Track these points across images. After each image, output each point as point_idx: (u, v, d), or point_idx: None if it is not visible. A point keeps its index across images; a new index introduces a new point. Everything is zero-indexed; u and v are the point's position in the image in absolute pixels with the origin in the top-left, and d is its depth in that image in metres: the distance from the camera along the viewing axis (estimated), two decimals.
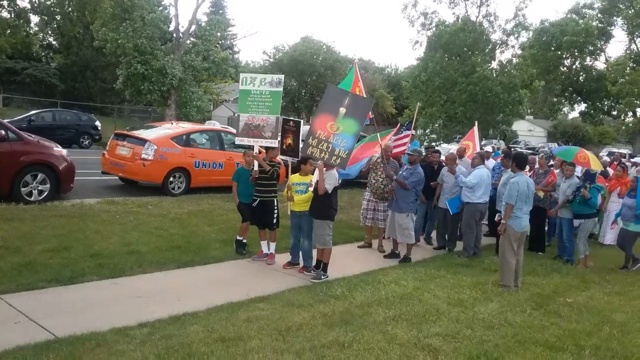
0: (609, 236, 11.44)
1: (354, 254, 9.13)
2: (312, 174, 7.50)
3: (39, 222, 8.49)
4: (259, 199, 7.81)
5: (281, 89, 7.84)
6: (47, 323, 4.95)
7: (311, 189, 7.30)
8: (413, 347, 5.07)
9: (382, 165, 9.07)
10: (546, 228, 11.18)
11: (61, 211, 9.44)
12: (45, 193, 10.12)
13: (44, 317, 5.08)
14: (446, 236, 10.11)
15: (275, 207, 7.91)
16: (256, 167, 7.77)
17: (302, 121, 8.10)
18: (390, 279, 7.34)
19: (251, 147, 8.05)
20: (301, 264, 7.71)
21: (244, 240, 8.25)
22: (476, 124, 13.07)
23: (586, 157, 10.59)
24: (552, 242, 10.95)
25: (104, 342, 4.56)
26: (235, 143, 8.41)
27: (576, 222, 9.45)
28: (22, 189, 9.77)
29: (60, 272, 6.31)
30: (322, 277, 7.22)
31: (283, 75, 8.25)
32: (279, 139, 7.75)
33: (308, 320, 5.52)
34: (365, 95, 9.40)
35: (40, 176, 10.03)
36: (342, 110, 7.19)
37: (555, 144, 47.49)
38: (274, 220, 7.89)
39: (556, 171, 10.47)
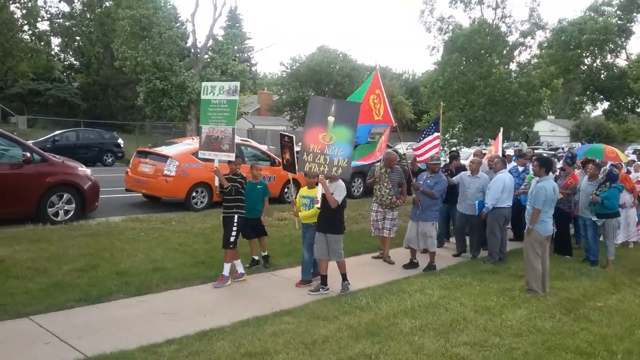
0: (621, 235, 11.12)
1: (369, 266, 8.98)
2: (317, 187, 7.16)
3: (66, 242, 8.63)
4: (223, 216, 7.45)
5: (237, 97, 7.34)
6: (76, 343, 5.01)
7: (317, 205, 7.00)
8: (441, 357, 5.03)
9: (387, 176, 8.94)
10: (572, 231, 11.03)
11: (87, 230, 9.59)
12: (72, 213, 10.30)
13: (73, 337, 5.15)
14: (467, 242, 9.96)
15: (235, 224, 7.35)
16: (216, 183, 7.39)
17: (294, 137, 7.84)
18: (415, 288, 7.28)
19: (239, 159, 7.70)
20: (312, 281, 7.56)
21: (264, 254, 8.23)
22: (501, 129, 13.02)
23: (614, 152, 10.47)
24: (580, 245, 10.77)
25: None
26: (199, 157, 8.02)
27: (599, 222, 9.28)
28: (49, 210, 9.95)
29: (88, 292, 6.39)
30: (347, 287, 7.21)
31: (239, 83, 7.76)
32: (274, 156, 7.43)
33: (334, 332, 5.50)
34: (387, 100, 9.28)
35: (65, 196, 10.21)
36: (331, 119, 6.82)
37: (579, 143, 46.86)
38: (231, 239, 7.30)
39: (577, 171, 10.32)
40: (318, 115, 6.95)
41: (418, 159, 9.95)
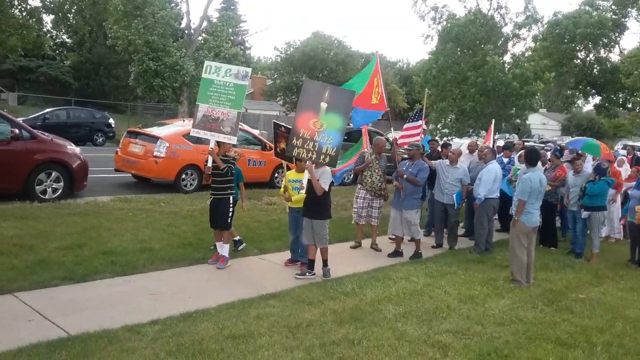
0: (605, 229, 11.26)
1: (356, 253, 9.02)
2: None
3: (53, 220, 8.59)
4: (212, 197, 7.45)
5: (247, 83, 7.37)
6: (60, 321, 5.02)
7: (302, 191, 6.99)
8: (423, 343, 5.08)
9: (377, 162, 8.92)
10: (559, 224, 11.13)
11: (75, 209, 9.55)
12: (60, 191, 10.25)
13: (57, 314, 5.15)
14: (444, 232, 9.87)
15: (231, 206, 7.45)
16: (209, 164, 7.29)
17: (291, 127, 7.55)
18: (400, 276, 7.34)
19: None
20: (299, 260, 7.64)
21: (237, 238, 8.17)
22: (493, 121, 13.05)
23: (607, 148, 10.56)
24: (566, 237, 10.87)
25: (115, 340, 4.61)
26: (190, 135, 7.96)
27: (585, 214, 9.36)
28: (37, 187, 9.90)
29: (73, 270, 6.38)
30: (329, 273, 7.25)
31: (250, 69, 7.69)
32: (267, 142, 7.39)
33: (318, 317, 5.54)
34: (383, 88, 9.23)
35: (54, 174, 10.15)
36: (324, 105, 6.76)
37: (570, 137, 47.05)
38: (228, 220, 7.42)
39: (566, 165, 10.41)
40: (311, 100, 6.90)
41: (399, 141, 9.92)
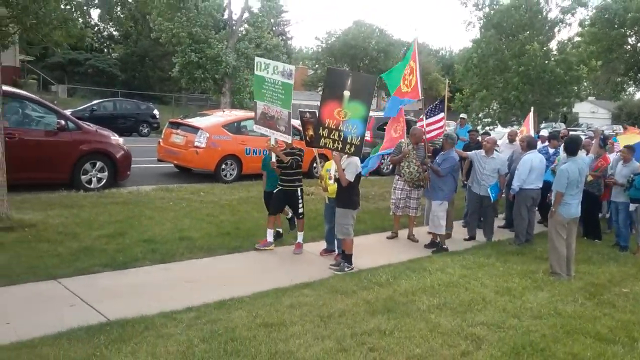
0: None
1: (392, 243, 9.00)
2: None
3: (97, 208, 8.87)
4: (280, 188, 7.71)
5: (292, 81, 7.29)
6: (100, 306, 5.19)
7: (331, 181, 7.04)
8: (456, 335, 5.03)
9: (414, 153, 8.80)
10: (607, 215, 10.79)
11: (118, 198, 9.82)
12: (104, 181, 10.55)
13: (97, 300, 5.33)
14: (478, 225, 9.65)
15: (300, 197, 7.73)
16: (274, 159, 7.55)
17: (316, 112, 7.56)
18: (436, 267, 7.27)
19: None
20: (335, 251, 7.69)
21: (278, 230, 8.26)
22: (532, 109, 12.70)
23: None
24: (612, 229, 10.53)
25: (152, 326, 4.74)
26: (254, 129, 8.12)
27: (632, 207, 9.04)
28: (82, 177, 10.21)
29: (114, 257, 6.58)
30: (347, 268, 7.04)
31: (294, 67, 7.68)
32: (302, 133, 7.36)
33: (351, 307, 5.56)
34: (419, 74, 9.04)
35: (99, 164, 10.45)
36: (347, 93, 6.66)
37: (620, 126, 45.36)
38: (300, 210, 7.76)
39: (611, 155, 10.07)
40: (335, 89, 6.85)
41: (427, 135, 9.70)
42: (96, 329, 4.62)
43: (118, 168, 10.75)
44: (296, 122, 9.43)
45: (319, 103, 7.01)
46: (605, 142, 10.72)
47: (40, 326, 4.61)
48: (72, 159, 10.02)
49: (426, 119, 9.40)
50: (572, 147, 7.44)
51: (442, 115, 9.54)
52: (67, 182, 10.06)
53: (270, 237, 7.81)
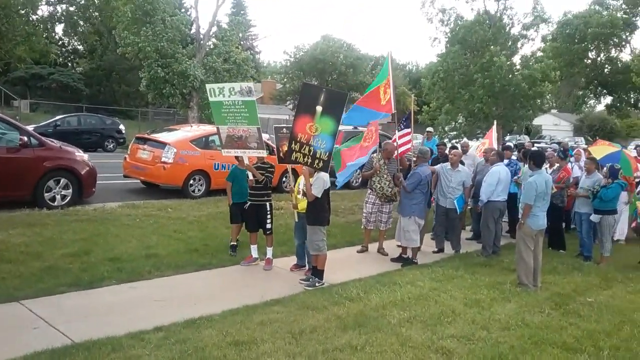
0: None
1: (363, 257, 9.02)
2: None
3: (61, 226, 8.65)
4: (250, 203, 7.73)
5: (254, 98, 7.32)
6: (65, 328, 5.05)
7: (300, 196, 7.07)
8: (427, 349, 5.05)
9: (385, 168, 8.85)
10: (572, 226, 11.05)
11: (83, 215, 9.60)
12: (68, 198, 10.30)
13: (62, 322, 5.19)
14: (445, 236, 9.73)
15: (269, 212, 7.76)
16: (251, 177, 7.57)
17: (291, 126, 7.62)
18: (406, 280, 7.30)
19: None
20: (306, 266, 7.68)
21: (234, 243, 8.20)
22: (495, 122, 12.96)
23: (635, 163, 10.44)
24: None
25: (119, 347, 4.63)
26: (223, 154, 8.08)
27: (595, 218, 9.27)
28: (45, 194, 9.96)
29: (79, 277, 6.42)
30: (317, 284, 7.02)
31: (252, 83, 7.67)
32: (275, 146, 7.39)
33: (322, 322, 5.53)
34: (392, 90, 9.09)
35: (63, 181, 10.21)
36: (319, 108, 6.69)
37: (582, 138, 46.63)
38: (268, 225, 7.75)
39: (572, 165, 10.34)
40: (308, 103, 6.88)
41: (399, 149, 9.75)
42: (61, 352, 4.49)
43: (83, 185, 10.52)
44: (265, 137, 9.40)
45: (288, 117, 7.01)
46: (565, 153, 10.99)
47: (2, 351, 4.46)
48: (35, 176, 9.76)
49: (398, 132, 9.51)
50: (539, 160, 7.59)
51: (408, 130, 9.63)
52: (30, 200, 9.78)
53: (254, 252, 7.83)
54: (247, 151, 7.49)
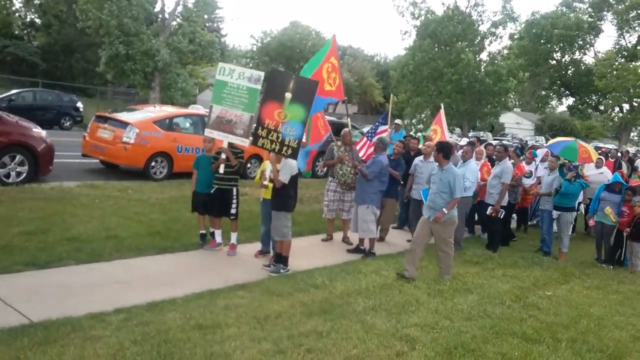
0: None
1: (327, 246, 9.01)
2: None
3: (16, 204, 8.35)
4: (217, 187, 7.60)
5: (259, 86, 7.37)
6: (22, 307, 4.88)
7: (266, 182, 6.98)
8: (391, 336, 5.06)
9: (348, 155, 8.76)
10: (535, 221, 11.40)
11: (39, 194, 9.28)
12: (24, 175, 9.95)
13: (19, 301, 5.01)
14: None
15: (235, 197, 7.65)
16: (223, 157, 7.42)
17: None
18: (371, 269, 7.32)
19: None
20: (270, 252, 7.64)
21: (204, 232, 7.97)
22: (442, 106, 12.88)
23: (587, 151, 10.67)
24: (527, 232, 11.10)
25: (79, 327, 4.50)
26: (205, 134, 7.79)
27: (555, 214, 9.50)
28: (0, 170, 9.58)
29: (36, 256, 6.22)
30: (282, 270, 6.98)
31: (263, 73, 7.60)
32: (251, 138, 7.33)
33: (287, 308, 5.49)
34: (340, 70, 9.00)
35: (18, 157, 9.85)
36: (288, 95, 6.70)
37: (543, 137, 47.77)
38: (233, 210, 7.64)
39: (536, 165, 10.57)
40: (276, 90, 6.85)
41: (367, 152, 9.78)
42: (18, 330, 4.34)
43: (39, 162, 10.16)
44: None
45: (259, 103, 6.96)
46: (522, 151, 11.22)
47: None
48: None
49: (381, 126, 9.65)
50: (444, 152, 7.39)
51: (385, 127, 9.78)
52: None
53: (218, 237, 7.72)
54: (229, 136, 7.38)
